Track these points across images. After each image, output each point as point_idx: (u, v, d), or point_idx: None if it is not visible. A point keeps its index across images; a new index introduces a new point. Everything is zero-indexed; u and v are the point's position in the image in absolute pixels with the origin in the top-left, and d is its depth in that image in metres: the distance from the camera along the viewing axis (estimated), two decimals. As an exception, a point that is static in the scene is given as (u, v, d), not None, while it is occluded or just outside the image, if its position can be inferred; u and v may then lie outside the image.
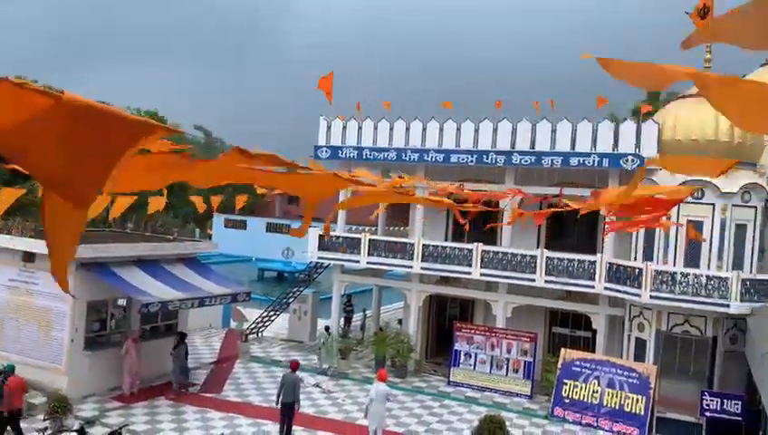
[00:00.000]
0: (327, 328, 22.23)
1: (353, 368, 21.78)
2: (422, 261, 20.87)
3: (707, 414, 16.07)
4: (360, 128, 22.06)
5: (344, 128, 22.27)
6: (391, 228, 29.16)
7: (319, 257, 23.08)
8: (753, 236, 17.67)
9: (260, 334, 25.60)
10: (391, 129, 21.58)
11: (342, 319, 26.09)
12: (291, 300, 26.08)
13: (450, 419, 17.49)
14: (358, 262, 22.05)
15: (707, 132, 17.72)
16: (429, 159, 20.89)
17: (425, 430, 16.47)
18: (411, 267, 21.11)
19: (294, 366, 15.34)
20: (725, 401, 15.89)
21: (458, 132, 20.72)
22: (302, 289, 26.15)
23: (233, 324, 25.38)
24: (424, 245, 20.92)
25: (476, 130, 20.47)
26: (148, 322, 18.94)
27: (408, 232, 24.71)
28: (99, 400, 16.75)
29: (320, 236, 22.42)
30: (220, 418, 16.31)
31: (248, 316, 25.79)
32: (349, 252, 22.00)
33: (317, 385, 19.42)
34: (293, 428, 15.22)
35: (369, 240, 21.90)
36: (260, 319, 25.83)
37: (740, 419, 15.57)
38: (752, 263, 17.60)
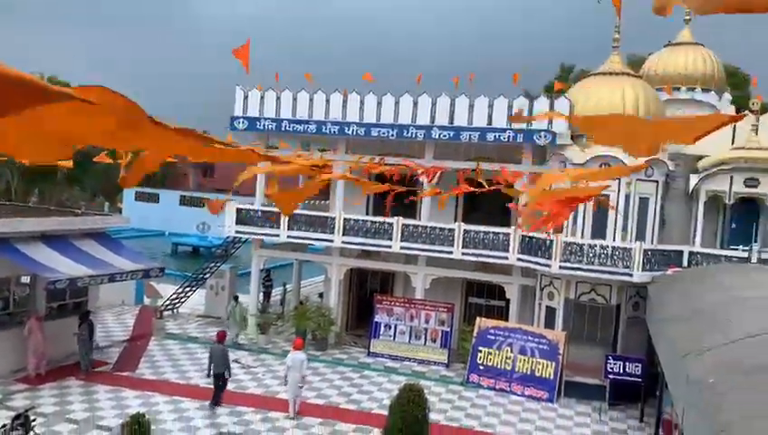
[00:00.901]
0: (236, 297, 22.19)
1: (273, 342, 21.67)
2: (343, 235, 20.89)
3: (611, 377, 17.11)
4: (278, 99, 21.64)
5: (262, 98, 21.78)
6: (312, 202, 28.98)
7: (237, 232, 22.65)
8: (655, 209, 18.78)
9: (175, 311, 24.97)
10: (311, 100, 21.31)
11: (261, 294, 25.84)
12: (207, 275, 25.53)
13: (370, 389, 17.78)
14: (278, 236, 21.81)
15: (615, 110, 18.54)
16: (350, 132, 20.80)
17: (345, 401, 16.68)
18: (332, 241, 21.11)
19: (221, 337, 15.83)
20: (627, 364, 16.95)
21: (379, 106, 20.72)
22: (219, 264, 25.62)
23: (146, 301, 24.59)
24: (345, 219, 20.94)
25: (397, 104, 20.54)
26: (54, 299, 18.05)
27: (329, 206, 24.63)
28: (2, 382, 15.89)
29: (237, 209, 22.00)
30: (135, 396, 15.86)
31: (162, 292, 25.07)
32: (268, 226, 21.71)
33: (236, 361, 19.22)
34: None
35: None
36: (175, 295, 25.16)
37: (640, 380, 16.69)
38: (653, 234, 18.73)
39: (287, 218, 21.40)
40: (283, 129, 21.41)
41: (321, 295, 25.85)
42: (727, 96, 23.74)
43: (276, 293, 28.07)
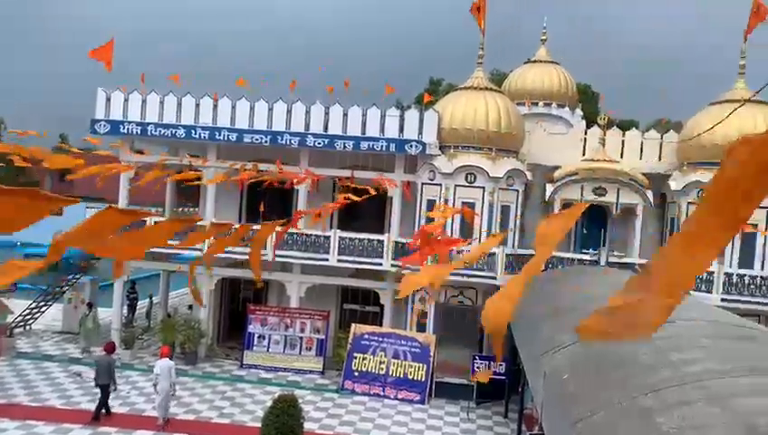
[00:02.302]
0: (90, 305, 21.06)
1: (139, 357, 20.57)
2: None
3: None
4: (144, 102, 20.65)
5: (126, 101, 20.68)
6: (181, 209, 27.86)
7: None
8: (516, 217, 19.99)
9: (28, 328, 22.98)
10: (179, 104, 20.54)
11: (126, 307, 24.45)
12: (65, 289, 23.75)
13: (243, 401, 17.39)
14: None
15: (479, 122, 19.55)
16: (221, 137, 20.29)
17: (217, 415, 16.19)
18: (202, 250, 20.41)
19: (108, 348, 15.63)
20: (492, 362, 17.88)
21: (252, 112, 20.40)
22: (78, 276, 23.92)
23: (-7, 318, 22.42)
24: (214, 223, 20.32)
25: (270, 110, 20.33)
26: None
27: (198, 213, 23.81)
28: None
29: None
30: (-21, 424, 14.41)
31: (13, 308, 22.97)
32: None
33: (78, 374, 18.15)
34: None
35: (155, 222, 20.72)
36: (27, 311, 23.16)
37: (504, 377, 17.66)
38: (514, 239, 19.92)
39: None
40: (149, 133, 20.44)
41: (190, 307, 24.90)
42: (579, 111, 25.80)
43: (142, 305, 26.67)
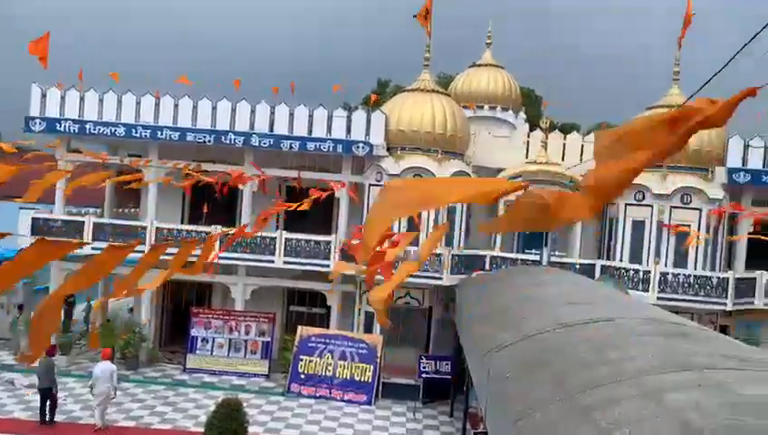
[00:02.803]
0: (20, 306, 20.34)
1: (76, 363, 19.85)
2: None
3: (424, 376, 18.09)
4: (82, 99, 19.97)
5: (63, 98, 19.95)
6: (121, 210, 27.04)
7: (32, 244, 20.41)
8: (462, 218, 20.23)
9: (-45, 335, 21.87)
10: (119, 102, 19.94)
11: (62, 312, 23.55)
12: (-3, 293, 22.73)
13: (186, 406, 17.01)
14: (81, 248, 20.01)
15: (426, 124, 19.71)
16: (163, 136, 19.80)
17: (159, 421, 15.78)
18: (143, 252, 19.84)
19: (49, 352, 15.14)
20: (438, 362, 18.05)
21: (195, 110, 19.98)
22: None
23: None
24: (158, 228, 19.85)
25: (214, 109, 19.96)
26: None
27: (139, 214, 23.18)
28: None
29: (33, 219, 19.90)
30: None
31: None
32: (70, 237, 19.87)
33: (11, 382, 17.44)
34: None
35: (94, 223, 20.08)
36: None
37: (450, 377, 17.84)
38: (460, 241, 20.15)
39: (92, 228, 19.81)
40: (87, 131, 19.78)
41: (131, 311, 24.19)
42: (523, 115, 26.32)
43: (80, 309, 25.72)
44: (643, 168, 1.95)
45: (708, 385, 4.94)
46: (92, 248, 19.87)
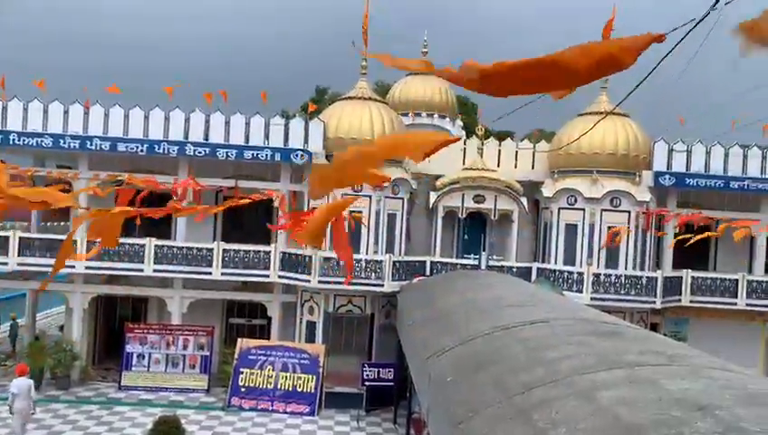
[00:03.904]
0: None
1: (2, 386, 18.85)
2: (87, 259, 19.05)
3: (367, 383, 18.05)
4: (4, 108, 19.07)
5: (-17, 108, 18.99)
6: (49, 224, 25.93)
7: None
8: (402, 224, 20.36)
9: None
10: (45, 112, 19.15)
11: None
12: None
13: (122, 425, 16.40)
14: (6, 264, 19.08)
15: (364, 132, 19.77)
16: (93, 147, 19.13)
17: (92, 443, 15.17)
18: (74, 267, 19.09)
19: None
20: (381, 369, 18.05)
21: (126, 120, 19.40)
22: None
23: None
24: (89, 241, 19.10)
25: (147, 118, 19.43)
26: None
27: (69, 227, 22.27)
28: None
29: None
30: None
31: None
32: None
33: None
34: None
35: (20, 238, 19.17)
36: None
37: (392, 383, 17.87)
38: (401, 246, 20.28)
39: (18, 243, 18.91)
40: (10, 142, 18.89)
41: (61, 328, 23.21)
42: (459, 122, 26.78)
43: (5, 329, 24.50)
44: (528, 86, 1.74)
45: (638, 382, 5.14)
46: (18, 265, 18.98)
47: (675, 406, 4.29)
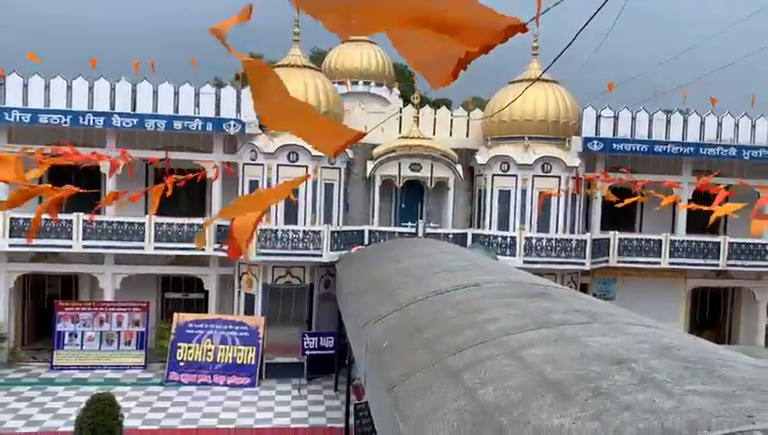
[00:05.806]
0: None
1: None
2: (11, 237, 18.23)
3: (308, 353, 18.15)
4: None
5: None
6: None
7: None
8: (339, 194, 20.31)
9: None
10: (-43, 81, 17.99)
11: None
12: None
13: (55, 405, 15.98)
14: None
15: (312, 102, 19.42)
16: (12, 119, 18.16)
17: (24, 424, 14.74)
18: (-4, 245, 18.24)
19: None
20: (321, 338, 18.17)
21: (48, 90, 18.46)
22: None
23: None
24: (12, 218, 18.27)
25: (69, 88, 18.54)
26: None
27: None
28: None
29: None
30: None
31: None
32: None
33: None
34: None
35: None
36: None
37: (332, 352, 18.03)
38: (339, 216, 20.26)
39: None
40: None
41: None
42: (396, 90, 26.71)
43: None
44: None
45: (562, 339, 5.36)
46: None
47: (595, 361, 4.51)
